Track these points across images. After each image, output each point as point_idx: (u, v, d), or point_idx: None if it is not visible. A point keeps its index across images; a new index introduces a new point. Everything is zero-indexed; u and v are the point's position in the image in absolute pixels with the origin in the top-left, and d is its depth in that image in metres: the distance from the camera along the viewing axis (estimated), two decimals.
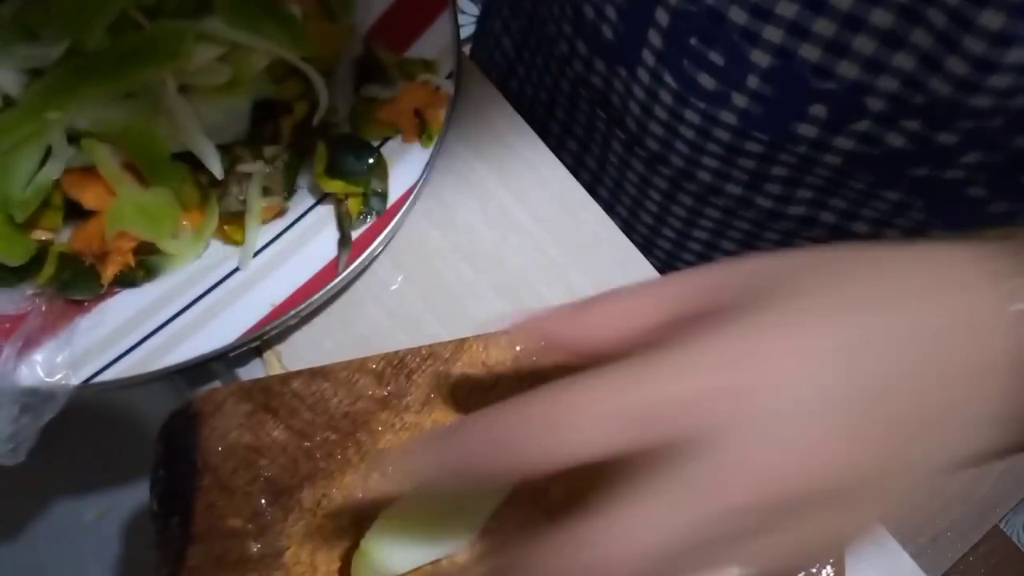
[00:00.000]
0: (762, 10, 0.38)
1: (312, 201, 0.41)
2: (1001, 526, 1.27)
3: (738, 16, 0.39)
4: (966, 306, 0.25)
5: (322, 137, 0.40)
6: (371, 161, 0.40)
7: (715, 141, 0.46)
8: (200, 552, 0.34)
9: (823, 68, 0.39)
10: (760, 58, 0.40)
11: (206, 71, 0.38)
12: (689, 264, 0.57)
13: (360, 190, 0.40)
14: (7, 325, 0.37)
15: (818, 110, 0.41)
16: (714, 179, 0.49)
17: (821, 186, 0.47)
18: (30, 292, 0.38)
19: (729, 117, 0.44)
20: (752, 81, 0.41)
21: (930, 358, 0.24)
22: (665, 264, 0.58)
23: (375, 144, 0.41)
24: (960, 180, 0.43)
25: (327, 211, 0.40)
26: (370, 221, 0.40)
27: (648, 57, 0.45)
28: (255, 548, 0.34)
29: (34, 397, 0.35)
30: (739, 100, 0.43)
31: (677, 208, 0.54)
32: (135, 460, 0.37)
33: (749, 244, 0.53)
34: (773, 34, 0.39)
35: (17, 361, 0.36)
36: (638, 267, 0.44)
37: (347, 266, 0.39)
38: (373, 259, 0.41)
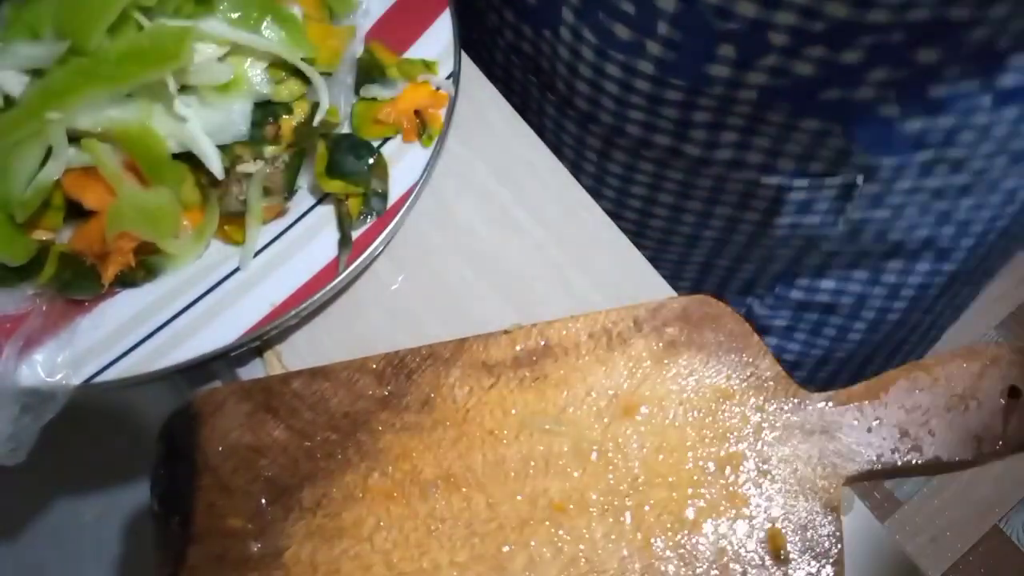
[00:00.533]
0: None
1: (312, 201, 0.41)
2: (1000, 526, 1.27)
3: None
4: None
5: (322, 137, 0.40)
6: (371, 161, 0.40)
7: (637, 92, 0.48)
8: (200, 552, 0.34)
9: (723, 9, 0.40)
10: (666, 3, 0.42)
11: (206, 71, 0.38)
12: (630, 221, 0.59)
13: (360, 190, 0.40)
14: (8, 325, 0.37)
15: (726, 50, 0.43)
16: (642, 132, 0.51)
17: (743, 126, 0.48)
18: (31, 292, 0.38)
19: (646, 66, 0.46)
20: (662, 28, 0.43)
21: None
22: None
23: (375, 144, 0.41)
24: (872, 100, 0.44)
25: (327, 211, 0.41)
26: (370, 221, 0.40)
27: (568, 15, 0.47)
28: (255, 548, 0.35)
29: (34, 397, 0.35)
30: (653, 48, 0.44)
31: (613, 166, 0.55)
32: (135, 460, 0.38)
33: (684, 194, 0.55)
34: None
35: (18, 361, 0.36)
36: (638, 267, 0.44)
37: (347, 266, 0.39)
38: (373, 259, 0.41)
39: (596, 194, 0.57)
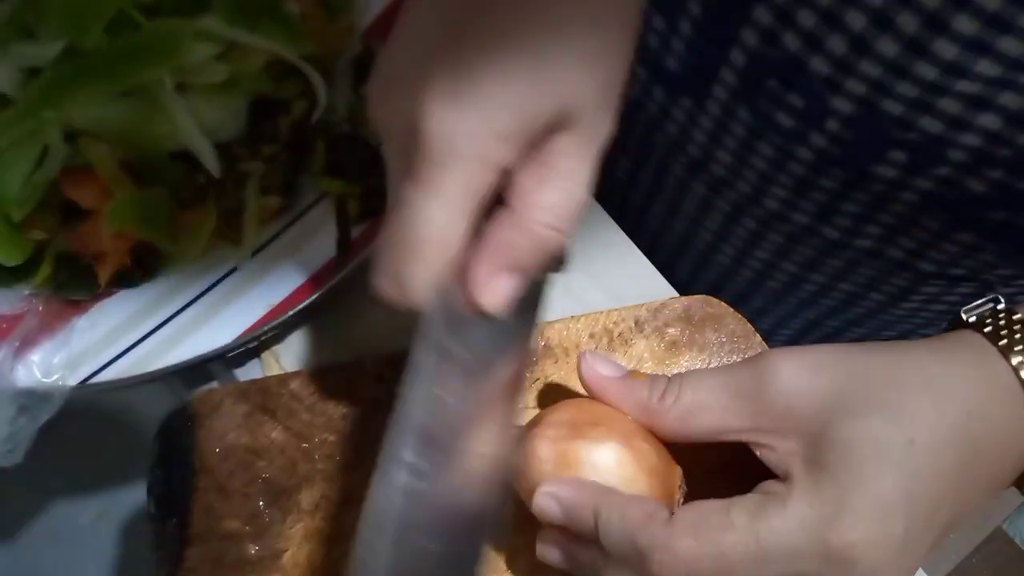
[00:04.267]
0: (846, 64, 0.37)
1: (311, 200, 0.41)
2: (1004, 527, 1.27)
3: (820, 66, 0.38)
4: (993, 382, 0.29)
5: (321, 136, 0.40)
6: (370, 160, 0.40)
7: (788, 174, 0.46)
8: (198, 554, 0.34)
9: (905, 121, 0.38)
10: (842, 104, 0.39)
11: (204, 69, 0.38)
12: (744, 277, 0.57)
13: (359, 189, 0.39)
14: (4, 325, 0.36)
15: (898, 155, 0.40)
16: (781, 207, 0.48)
17: (893, 224, 0.45)
18: (27, 292, 0.37)
19: (805, 154, 0.43)
20: (832, 124, 0.41)
21: (976, 438, 0.28)
22: (720, 279, 0.57)
23: (374, 143, 0.41)
24: None
25: (326, 210, 0.40)
26: (369, 220, 0.39)
27: (720, 92, 0.44)
28: (253, 550, 0.34)
29: (31, 398, 0.35)
30: (817, 140, 0.42)
31: (739, 230, 0.53)
32: (133, 461, 0.37)
33: (810, 267, 0.53)
34: (856, 87, 0.38)
35: (14, 362, 0.36)
36: (639, 267, 0.44)
37: (346, 266, 0.38)
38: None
39: (714, 250, 0.55)
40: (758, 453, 0.29)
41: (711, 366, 0.38)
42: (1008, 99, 0.35)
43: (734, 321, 0.39)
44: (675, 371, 0.38)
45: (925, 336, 0.57)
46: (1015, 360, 0.29)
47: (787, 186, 0.46)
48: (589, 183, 0.27)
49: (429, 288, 0.26)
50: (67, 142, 0.37)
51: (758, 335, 0.38)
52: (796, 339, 0.60)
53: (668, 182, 0.54)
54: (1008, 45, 0.33)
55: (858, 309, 0.54)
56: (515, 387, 0.31)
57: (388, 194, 0.27)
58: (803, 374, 0.29)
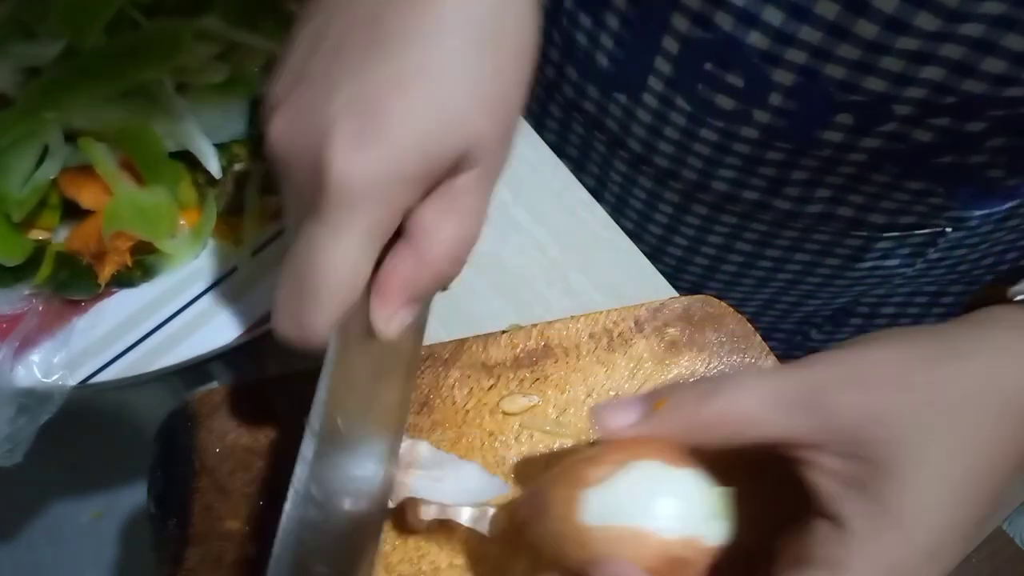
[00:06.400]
0: (784, 35, 0.38)
1: None
2: (1004, 527, 1.27)
3: (759, 41, 0.38)
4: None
5: None
6: None
7: (734, 154, 0.46)
8: (198, 554, 0.34)
9: (849, 83, 0.38)
10: (783, 77, 0.39)
11: (204, 69, 0.38)
12: (700, 266, 0.57)
13: None
14: (4, 325, 0.36)
15: (844, 118, 0.40)
16: (731, 188, 0.49)
17: (842, 184, 0.46)
18: (27, 292, 0.37)
19: (750, 132, 0.44)
20: (775, 98, 0.41)
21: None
22: (675, 270, 0.58)
23: None
24: (982, 164, 0.43)
25: None
26: None
27: (656, 84, 0.44)
28: (253, 550, 0.34)
29: (31, 398, 0.35)
30: (761, 116, 0.42)
31: (690, 218, 0.53)
32: (133, 461, 0.37)
33: (764, 243, 0.53)
34: (796, 56, 0.38)
35: (14, 362, 0.36)
36: (638, 267, 0.44)
37: None
38: None
39: (666, 241, 0.56)
40: (807, 473, 0.27)
41: (711, 366, 0.38)
42: (949, 50, 0.35)
43: (734, 321, 0.39)
44: (675, 371, 0.38)
45: (877, 296, 0.57)
46: None
47: (734, 166, 0.47)
48: (486, 216, 0.28)
49: (329, 331, 0.26)
50: (67, 142, 0.37)
51: (758, 335, 0.38)
52: (755, 317, 0.62)
53: (613, 179, 0.55)
54: None
55: (814, 279, 0.55)
56: (404, 398, 0.31)
57: (285, 230, 0.27)
58: (863, 392, 0.26)
